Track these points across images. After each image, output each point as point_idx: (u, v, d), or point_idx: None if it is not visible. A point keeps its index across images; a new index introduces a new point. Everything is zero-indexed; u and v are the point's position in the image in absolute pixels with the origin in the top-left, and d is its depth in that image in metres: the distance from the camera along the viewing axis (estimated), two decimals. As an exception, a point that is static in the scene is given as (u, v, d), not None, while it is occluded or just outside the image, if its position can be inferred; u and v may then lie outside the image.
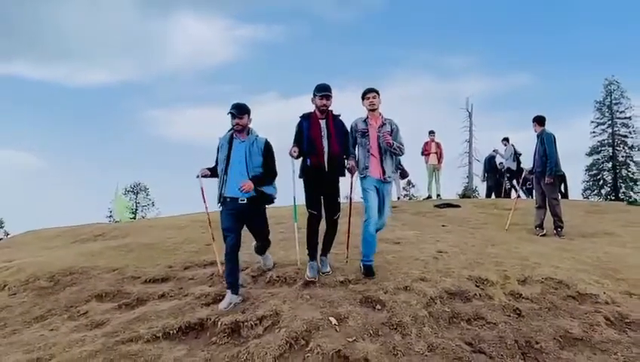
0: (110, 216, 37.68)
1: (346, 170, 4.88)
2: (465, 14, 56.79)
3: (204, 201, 4.96)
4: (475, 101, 41.87)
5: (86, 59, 69.38)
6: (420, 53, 58.47)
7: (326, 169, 4.73)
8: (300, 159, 4.83)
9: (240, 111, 4.53)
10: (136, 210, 47.03)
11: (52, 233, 9.45)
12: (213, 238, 5.16)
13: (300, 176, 4.87)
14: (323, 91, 4.78)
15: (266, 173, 4.58)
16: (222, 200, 4.54)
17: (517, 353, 3.57)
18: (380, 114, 5.08)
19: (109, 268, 5.77)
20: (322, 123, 4.82)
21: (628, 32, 52.79)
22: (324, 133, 4.77)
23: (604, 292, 4.47)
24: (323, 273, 4.86)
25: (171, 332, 3.95)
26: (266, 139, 4.65)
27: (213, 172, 4.67)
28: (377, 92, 5.04)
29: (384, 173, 4.93)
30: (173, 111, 66.93)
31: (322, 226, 4.89)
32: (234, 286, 4.42)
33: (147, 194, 49.01)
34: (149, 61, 67.93)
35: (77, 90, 62.83)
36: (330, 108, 4.84)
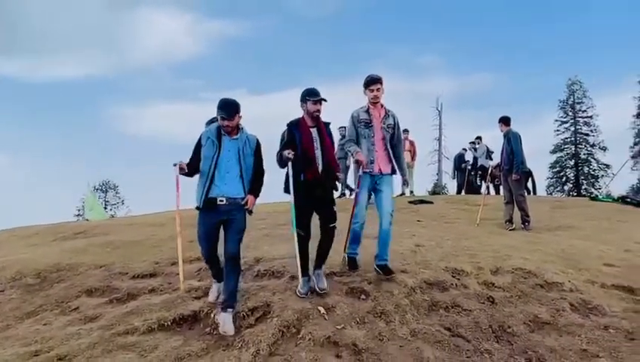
0: (79, 215, 36.87)
1: (353, 162, 4.67)
2: (436, 13, 57.68)
3: (177, 195, 4.29)
4: (445, 100, 42.80)
5: (49, 53, 67.00)
6: (393, 51, 58.99)
7: (322, 181, 4.38)
8: (286, 171, 4.41)
9: (230, 112, 4.03)
10: (106, 208, 46.01)
11: (30, 231, 9.32)
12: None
13: (287, 191, 4.41)
14: (316, 96, 4.33)
15: (257, 175, 4.25)
16: (205, 201, 4.09)
17: (491, 336, 3.90)
18: (382, 105, 4.81)
19: (96, 264, 5.82)
20: (313, 131, 4.42)
21: (591, 31, 54.70)
22: (317, 143, 4.40)
23: (569, 281, 4.85)
24: (320, 289, 4.34)
25: (166, 324, 4.07)
26: (257, 138, 4.28)
27: (190, 170, 4.14)
28: (381, 82, 4.68)
29: (392, 167, 4.79)
30: (141, 107, 64.94)
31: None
32: (219, 277, 4.37)
33: (117, 193, 48.06)
34: (115, 55, 65.45)
35: (39, 86, 60.31)
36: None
